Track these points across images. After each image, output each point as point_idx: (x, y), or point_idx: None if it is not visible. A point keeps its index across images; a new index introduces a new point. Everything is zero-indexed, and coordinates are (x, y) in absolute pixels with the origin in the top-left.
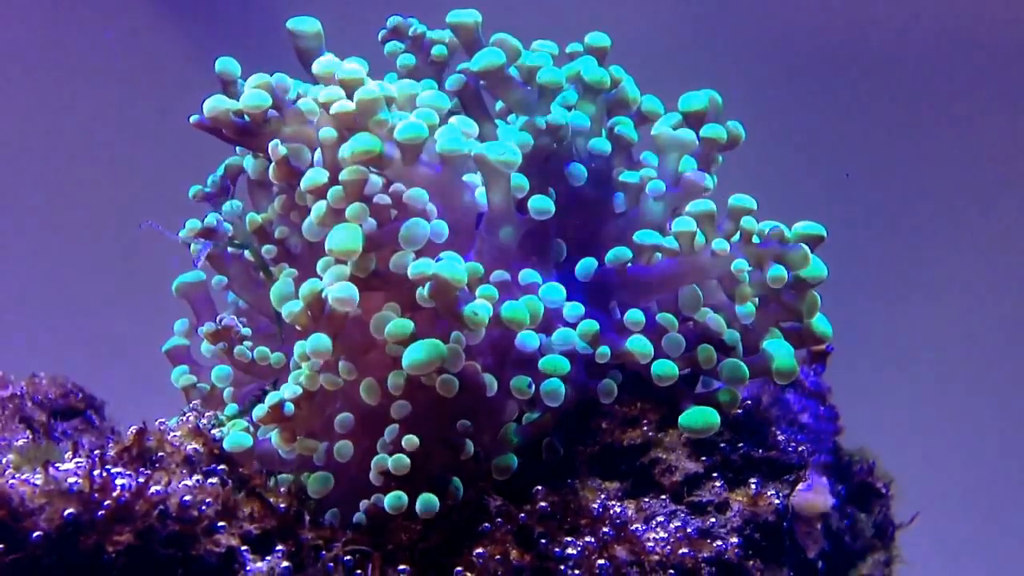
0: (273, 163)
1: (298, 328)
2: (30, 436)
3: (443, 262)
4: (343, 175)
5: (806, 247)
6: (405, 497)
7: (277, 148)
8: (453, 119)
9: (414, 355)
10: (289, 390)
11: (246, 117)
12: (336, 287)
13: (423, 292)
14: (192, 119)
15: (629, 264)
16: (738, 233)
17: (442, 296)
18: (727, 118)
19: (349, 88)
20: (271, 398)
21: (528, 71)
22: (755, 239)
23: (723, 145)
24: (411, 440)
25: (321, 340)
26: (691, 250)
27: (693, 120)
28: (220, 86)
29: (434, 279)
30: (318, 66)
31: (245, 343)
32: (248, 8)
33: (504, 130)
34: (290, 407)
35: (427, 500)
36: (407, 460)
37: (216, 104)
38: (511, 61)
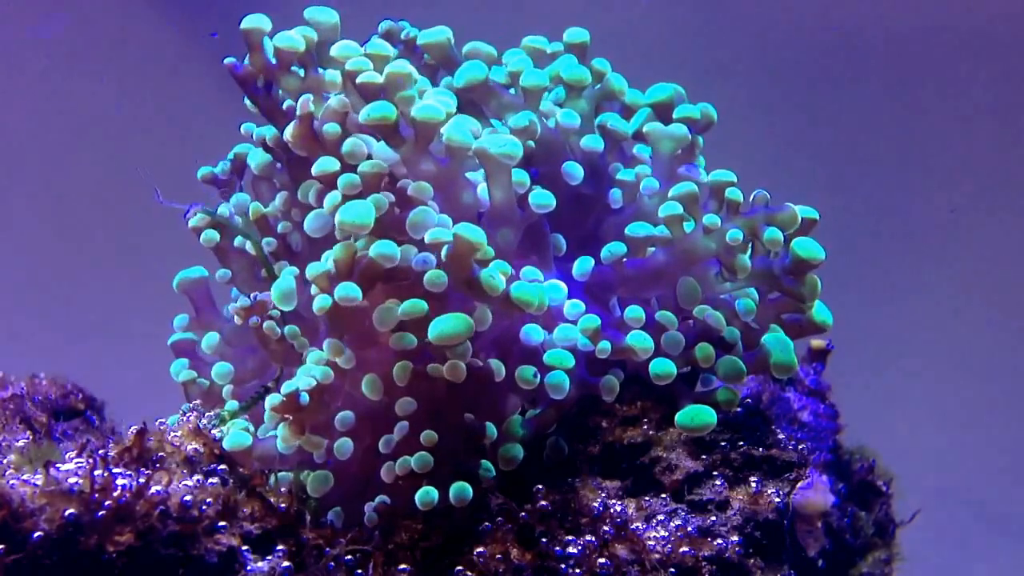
0: (297, 119)
1: (314, 292)
2: (31, 436)
3: (461, 225)
4: (362, 168)
5: (793, 206)
6: (435, 492)
7: (308, 103)
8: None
9: (441, 326)
10: (304, 381)
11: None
12: (378, 243)
13: (432, 262)
14: (227, 60)
15: (625, 259)
16: (724, 207)
17: (460, 260)
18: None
19: (378, 62)
20: (287, 387)
21: (512, 75)
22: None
23: (699, 125)
24: (430, 436)
25: (351, 288)
26: (682, 234)
27: (661, 110)
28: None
29: (454, 240)
30: (337, 49)
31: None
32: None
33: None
34: (305, 397)
35: (460, 489)
36: (430, 457)
37: (255, 22)
38: (489, 66)
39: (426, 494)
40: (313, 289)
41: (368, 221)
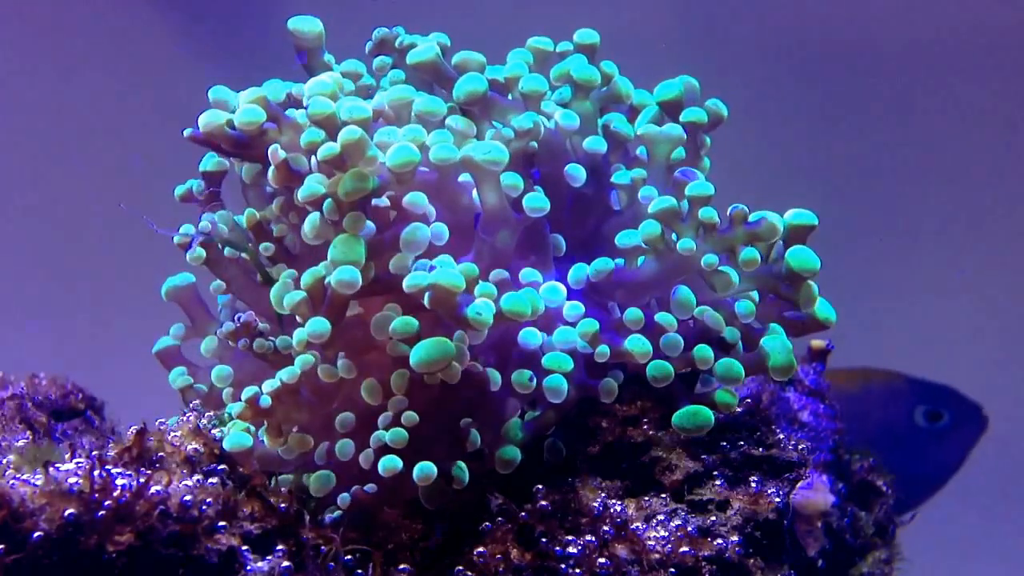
0: (272, 167)
1: (299, 319)
2: (30, 436)
3: (438, 270)
4: (342, 193)
5: (770, 218)
6: (399, 460)
7: (277, 152)
8: (449, 120)
9: (421, 353)
10: (268, 384)
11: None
12: (338, 270)
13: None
14: (186, 133)
15: (614, 271)
16: (700, 226)
17: (443, 304)
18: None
19: (327, 127)
20: (247, 392)
21: (511, 81)
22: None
23: (705, 126)
24: (411, 416)
25: (320, 324)
26: (667, 249)
27: (670, 108)
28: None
29: (432, 288)
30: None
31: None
32: (246, 4)
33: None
34: (266, 400)
35: (424, 467)
36: (405, 433)
37: (211, 119)
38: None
39: (389, 461)
40: (298, 319)
41: (358, 260)
